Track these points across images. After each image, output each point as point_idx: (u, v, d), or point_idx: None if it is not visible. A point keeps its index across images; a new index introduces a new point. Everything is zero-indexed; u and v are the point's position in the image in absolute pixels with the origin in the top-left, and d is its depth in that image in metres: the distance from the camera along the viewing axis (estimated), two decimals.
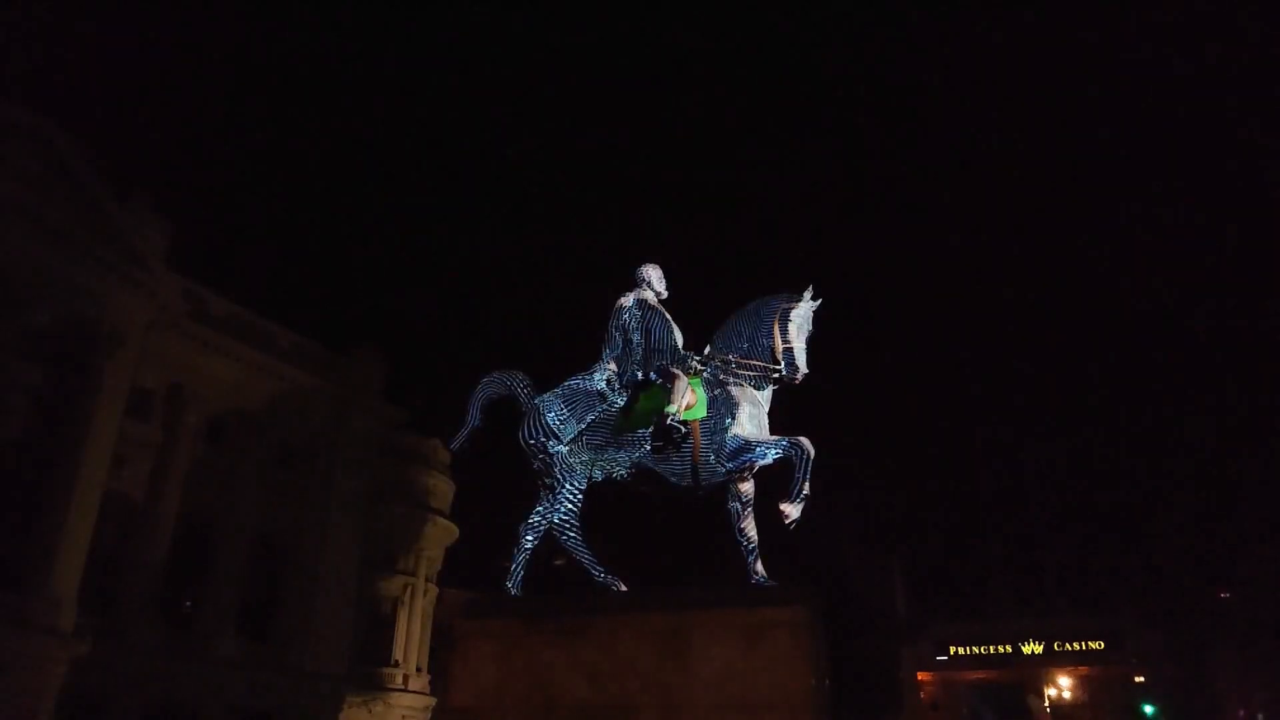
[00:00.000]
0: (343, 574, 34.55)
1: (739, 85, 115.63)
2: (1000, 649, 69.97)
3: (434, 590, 39.99)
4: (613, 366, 9.76)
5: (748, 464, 8.84)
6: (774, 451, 8.71)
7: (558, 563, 10.30)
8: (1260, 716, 64.09)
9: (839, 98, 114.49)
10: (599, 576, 9.53)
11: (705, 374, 9.45)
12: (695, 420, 9.09)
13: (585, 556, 9.59)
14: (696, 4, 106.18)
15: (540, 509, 9.72)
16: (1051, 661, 67.29)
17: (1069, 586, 72.57)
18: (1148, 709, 57.77)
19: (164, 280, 28.89)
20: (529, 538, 9.68)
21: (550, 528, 9.65)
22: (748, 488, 9.03)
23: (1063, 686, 64.08)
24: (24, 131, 24.96)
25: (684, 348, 9.90)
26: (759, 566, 8.80)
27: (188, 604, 30.61)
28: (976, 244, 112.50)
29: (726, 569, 9.22)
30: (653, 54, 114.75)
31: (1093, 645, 68.10)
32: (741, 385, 9.17)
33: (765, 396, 9.26)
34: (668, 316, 10.10)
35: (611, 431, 9.53)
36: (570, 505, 9.59)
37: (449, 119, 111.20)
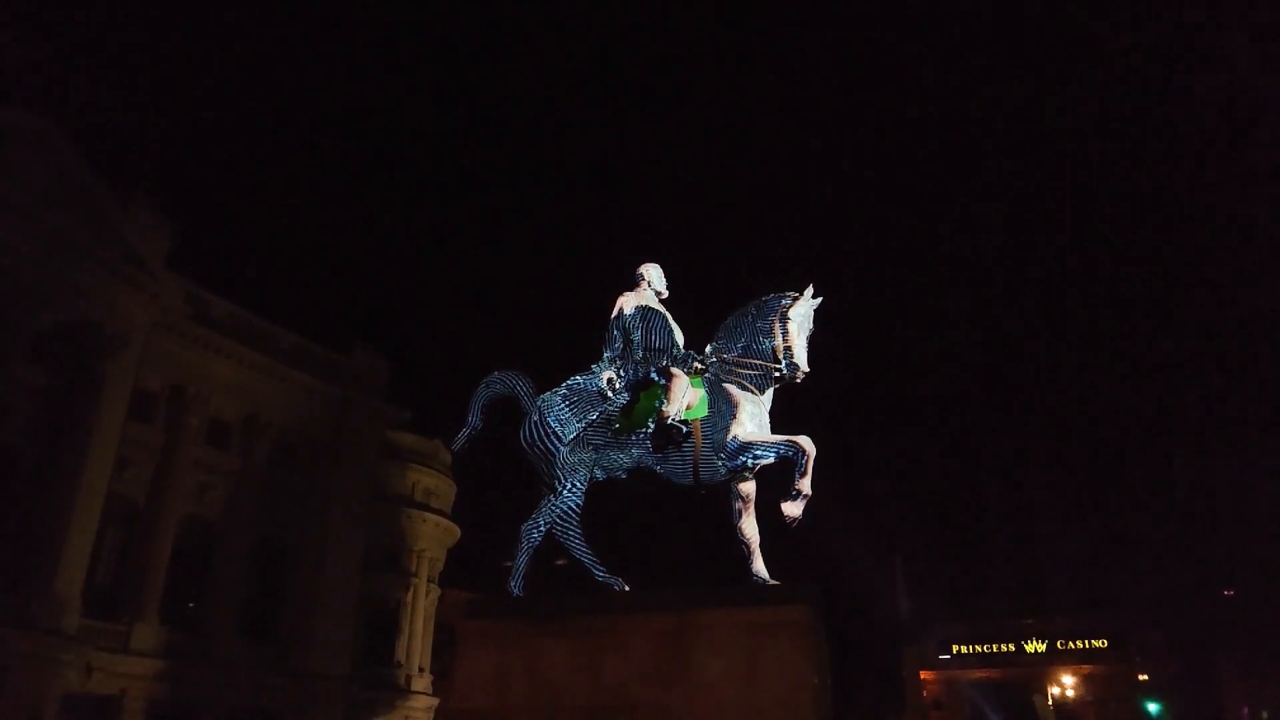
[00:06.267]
0: (345, 575, 34.57)
1: (739, 84, 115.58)
2: (1003, 648, 69.98)
3: (436, 590, 40.02)
4: (613, 366, 9.75)
5: (748, 463, 8.81)
6: (775, 451, 8.68)
7: (559, 563, 10.28)
8: (1264, 714, 63.98)
9: (838, 97, 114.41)
10: (600, 576, 9.51)
11: (706, 373, 9.43)
12: (696, 420, 9.07)
13: (586, 556, 9.57)
14: (697, 3, 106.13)
15: (541, 509, 9.72)
16: (1055, 660, 67.28)
17: (1072, 585, 72.42)
18: (1151, 707, 57.69)
19: (165, 282, 28.93)
20: (530, 538, 9.67)
21: (551, 527, 9.63)
22: (749, 487, 9.00)
23: (1066, 685, 63.98)
24: (25, 134, 25.00)
25: (684, 347, 9.88)
26: (760, 566, 8.79)
27: (190, 605, 30.64)
28: (978, 242, 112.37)
29: (728, 569, 9.19)
30: (654, 53, 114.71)
31: (1096, 644, 68.09)
32: (742, 384, 9.14)
33: (766, 396, 9.24)
34: (668, 316, 10.08)
35: (612, 431, 9.52)
36: (571, 505, 9.57)
37: (449, 119, 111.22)
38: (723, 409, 8.99)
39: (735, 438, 8.76)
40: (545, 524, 9.64)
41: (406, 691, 36.93)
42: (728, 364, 9.27)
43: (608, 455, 9.54)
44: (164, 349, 29.77)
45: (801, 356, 9.01)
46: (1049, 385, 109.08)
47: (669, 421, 8.92)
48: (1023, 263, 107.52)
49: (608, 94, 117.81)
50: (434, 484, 40.55)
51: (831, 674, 9.09)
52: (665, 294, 10.23)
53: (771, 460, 8.74)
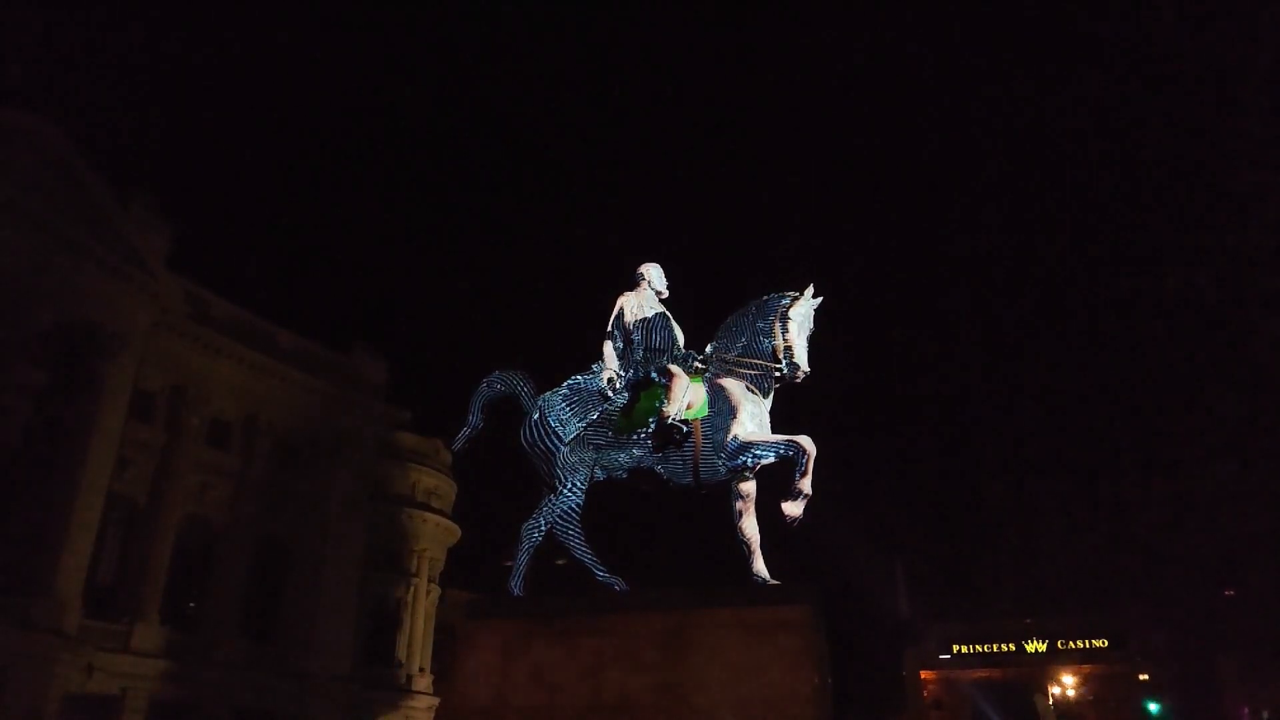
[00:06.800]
0: (345, 575, 34.57)
1: (739, 84, 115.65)
2: (1004, 647, 69.90)
3: (436, 590, 40.02)
4: (614, 366, 9.75)
5: (749, 463, 8.81)
6: (775, 451, 8.68)
7: (560, 562, 10.29)
8: (1265, 714, 63.95)
9: (839, 96, 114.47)
10: (601, 576, 9.52)
11: (706, 373, 9.43)
12: (696, 420, 9.08)
13: (587, 556, 9.58)
14: (697, 3, 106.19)
15: (542, 509, 9.72)
16: (1056, 660, 67.21)
17: (1073, 584, 72.45)
18: (1153, 707, 57.65)
19: (165, 282, 28.92)
20: (531, 538, 9.67)
21: (552, 527, 9.64)
22: (749, 487, 9.00)
23: (1067, 685, 63.93)
24: (25, 134, 24.98)
25: (685, 347, 9.89)
26: (760, 566, 8.78)
27: (191, 605, 30.63)
28: (978, 241, 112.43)
29: (728, 569, 9.20)
30: (653, 53, 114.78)
31: (1097, 643, 68.03)
32: (743, 384, 9.14)
33: (767, 395, 9.23)
34: (668, 315, 10.10)
35: (613, 431, 9.52)
36: (572, 504, 9.57)
37: (449, 119, 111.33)
38: (723, 409, 8.99)
39: (735, 438, 8.76)
40: (545, 524, 9.64)
41: (407, 691, 36.93)
42: (728, 364, 9.27)
43: (608, 455, 9.54)
44: (164, 349, 29.75)
45: (802, 356, 9.00)
46: (1049, 385, 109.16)
47: (669, 421, 8.91)
48: (1023, 262, 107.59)
49: (608, 93, 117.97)
50: (434, 484, 40.56)
51: (831, 674, 9.10)
52: (665, 294, 10.24)
53: (772, 460, 8.74)
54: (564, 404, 9.83)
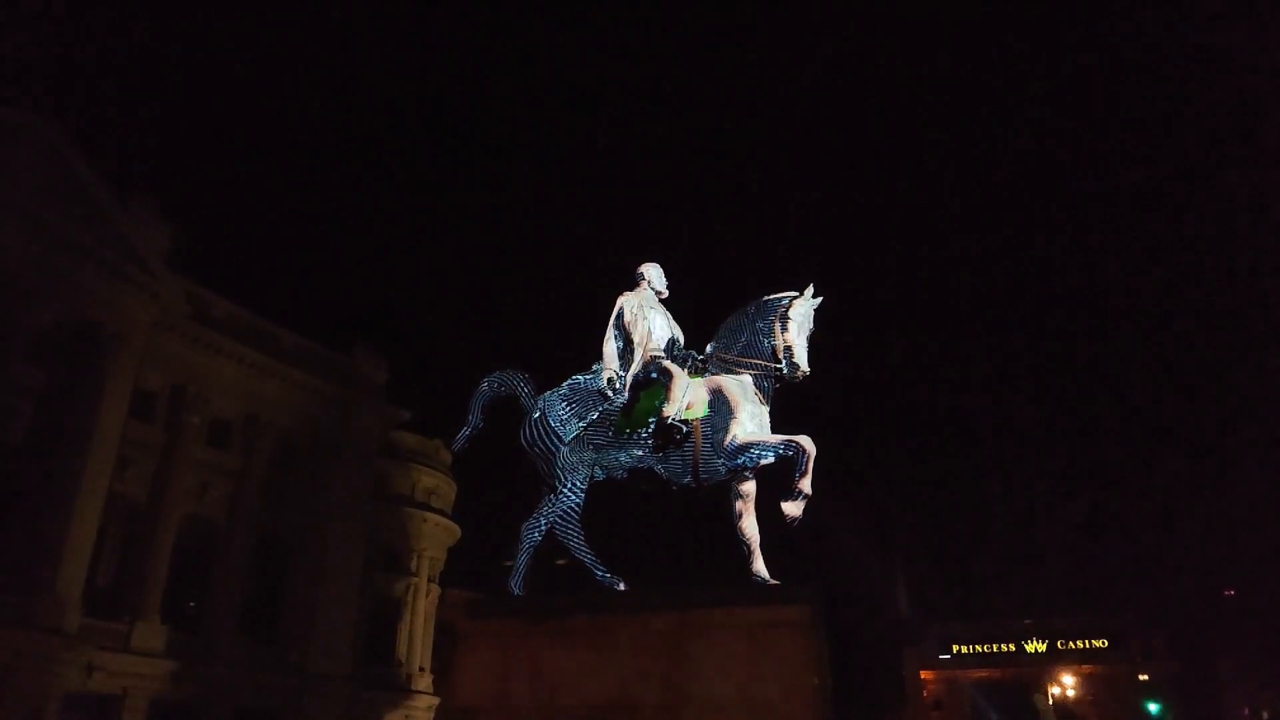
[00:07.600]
0: (345, 574, 34.57)
1: (738, 85, 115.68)
2: (1004, 647, 69.91)
3: (436, 590, 40.04)
4: (614, 366, 9.74)
5: (748, 463, 8.81)
6: (775, 451, 8.67)
7: (560, 562, 10.29)
8: (1265, 714, 63.99)
9: (839, 96, 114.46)
10: (600, 576, 9.52)
11: (706, 373, 9.43)
12: (696, 419, 9.07)
13: (587, 556, 9.58)
14: (696, 4, 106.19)
15: (542, 508, 9.72)
16: (1055, 660, 67.22)
17: (1073, 585, 72.49)
18: (1152, 707, 57.69)
19: (166, 282, 28.92)
20: (531, 537, 9.68)
21: (552, 527, 9.64)
22: (749, 487, 8.99)
23: (1067, 685, 63.95)
24: (26, 134, 24.99)
25: (685, 346, 9.89)
26: (760, 566, 8.78)
27: (191, 604, 30.64)
28: (978, 242, 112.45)
29: (728, 568, 9.19)
30: (653, 54, 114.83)
31: (1097, 644, 68.02)
32: (743, 384, 9.14)
33: (767, 395, 9.23)
34: (668, 315, 10.10)
35: (613, 431, 9.52)
36: (572, 504, 9.58)
37: (449, 119, 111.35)
38: (723, 409, 8.98)
39: (735, 438, 8.74)
40: (545, 523, 9.65)
41: (407, 690, 36.94)
42: (728, 363, 9.26)
43: (608, 455, 9.54)
44: (165, 348, 29.75)
45: (802, 356, 8.99)
46: (1049, 385, 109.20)
47: (669, 421, 8.91)
48: (1025, 263, 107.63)
49: (608, 93, 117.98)
50: (434, 484, 40.57)
51: (831, 674, 9.09)
52: (665, 293, 10.24)
53: (771, 460, 8.72)
54: (564, 404, 9.83)
